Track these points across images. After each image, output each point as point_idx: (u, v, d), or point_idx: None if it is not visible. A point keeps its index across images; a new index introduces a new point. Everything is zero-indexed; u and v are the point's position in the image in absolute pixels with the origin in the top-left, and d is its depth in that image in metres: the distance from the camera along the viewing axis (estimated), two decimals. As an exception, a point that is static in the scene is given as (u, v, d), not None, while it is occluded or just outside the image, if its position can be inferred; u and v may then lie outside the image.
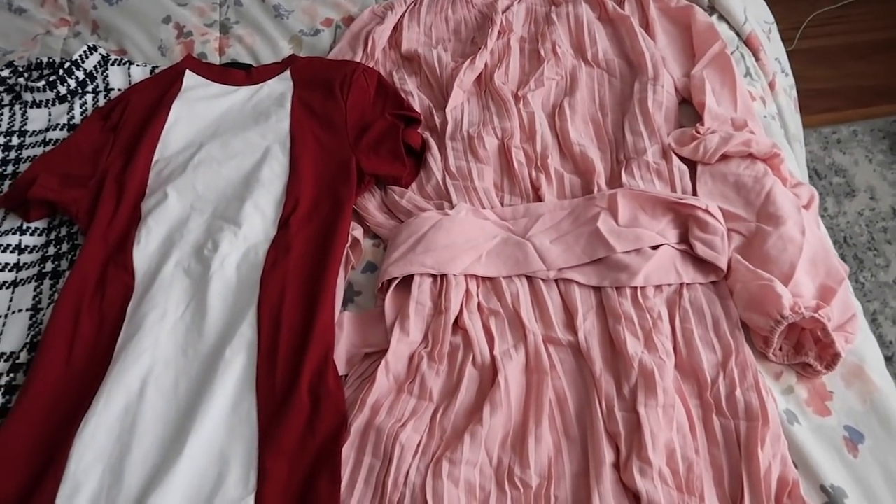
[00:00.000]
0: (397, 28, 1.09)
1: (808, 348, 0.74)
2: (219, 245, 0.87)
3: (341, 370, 0.78)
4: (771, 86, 1.02)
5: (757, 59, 1.02)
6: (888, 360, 1.36)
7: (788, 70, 1.12)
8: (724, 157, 0.85)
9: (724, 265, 0.78)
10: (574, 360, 0.76)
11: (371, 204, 0.92)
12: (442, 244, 0.82)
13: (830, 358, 0.72)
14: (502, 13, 1.06)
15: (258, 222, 0.89)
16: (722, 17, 1.04)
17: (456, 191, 0.89)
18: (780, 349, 0.75)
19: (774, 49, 1.10)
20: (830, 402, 0.72)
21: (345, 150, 0.94)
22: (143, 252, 0.89)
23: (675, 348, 0.75)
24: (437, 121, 0.97)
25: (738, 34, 1.03)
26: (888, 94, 1.77)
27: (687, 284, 0.79)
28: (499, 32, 1.04)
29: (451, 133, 0.94)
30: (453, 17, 1.09)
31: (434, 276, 0.81)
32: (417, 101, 1.00)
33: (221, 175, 0.94)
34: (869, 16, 1.95)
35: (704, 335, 0.75)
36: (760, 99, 0.97)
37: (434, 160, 0.93)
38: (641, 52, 0.97)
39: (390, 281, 0.82)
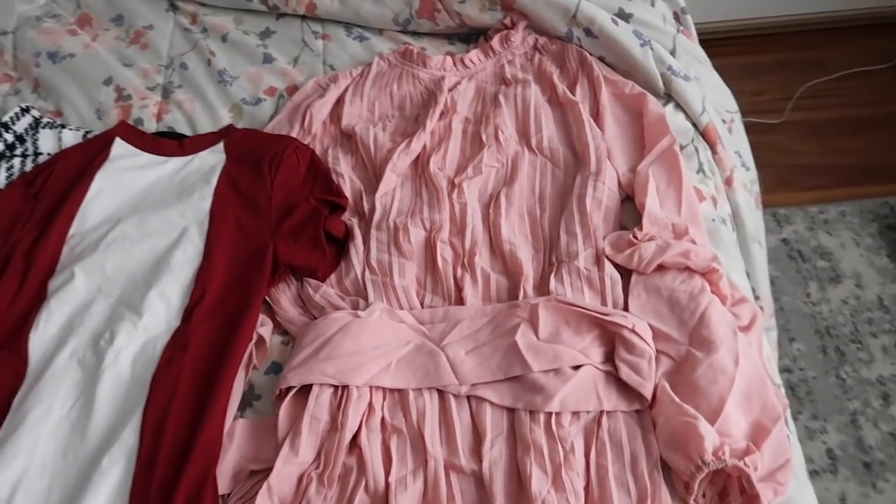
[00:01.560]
0: (340, 101, 1.04)
1: (732, 498, 0.66)
2: (116, 336, 0.81)
3: (225, 487, 0.72)
4: (728, 182, 0.96)
5: (714, 152, 0.96)
6: (867, 466, 1.27)
7: (751, 164, 1.06)
8: (661, 268, 0.79)
9: (648, 393, 0.71)
10: (476, 493, 0.69)
11: (284, 296, 0.86)
12: (348, 350, 0.76)
13: (756, 511, 0.65)
14: (448, 91, 1.01)
15: (162, 312, 0.84)
16: (679, 107, 0.98)
17: (374, 287, 0.83)
18: (703, 496, 0.67)
19: (735, 141, 1.03)
20: (755, 561, 0.64)
21: (264, 235, 0.89)
22: (41, 338, 0.83)
23: (586, 487, 0.68)
24: (366, 207, 0.91)
25: (694, 125, 0.97)
26: (880, 174, 1.70)
27: (608, 412, 0.72)
28: (442, 112, 0.99)
29: (378, 222, 0.89)
30: (398, 93, 1.05)
31: (335, 387, 0.75)
32: (349, 183, 0.94)
33: (133, 256, 0.89)
34: (864, 89, 1.89)
35: (620, 474, 0.68)
36: (711, 199, 0.90)
37: (356, 251, 0.87)
38: (586, 143, 0.92)
39: (289, 388, 0.76)
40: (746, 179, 1.03)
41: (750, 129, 1.15)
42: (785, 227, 1.61)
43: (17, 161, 1.04)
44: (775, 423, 0.69)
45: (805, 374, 1.38)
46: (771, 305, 1.04)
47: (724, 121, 1.02)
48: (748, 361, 0.72)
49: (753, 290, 0.97)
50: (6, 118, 1.04)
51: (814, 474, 1.24)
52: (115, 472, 0.72)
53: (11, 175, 1.02)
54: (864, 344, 1.42)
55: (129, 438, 0.74)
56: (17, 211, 0.96)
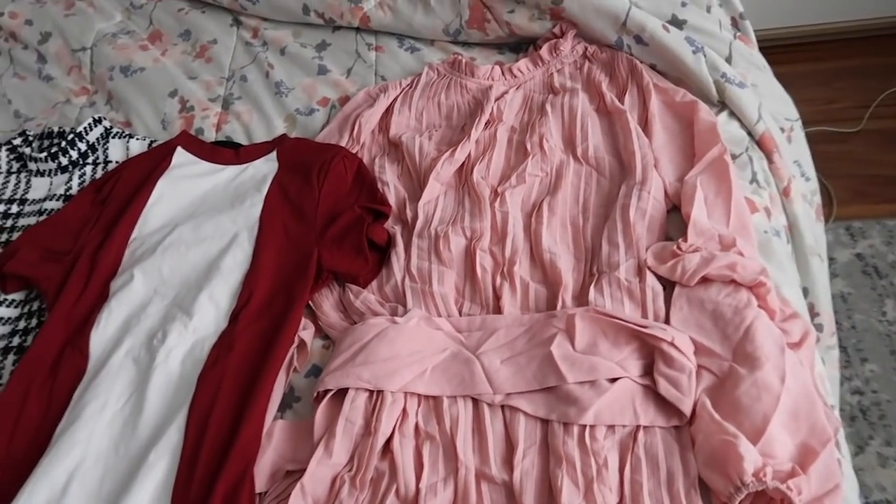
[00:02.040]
0: (389, 111, 1.06)
1: (774, 522, 0.63)
2: (167, 336, 0.85)
3: (262, 486, 0.74)
4: (785, 192, 0.92)
5: (770, 162, 0.92)
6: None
7: (811, 174, 1.01)
8: (705, 281, 0.76)
9: (687, 409, 0.69)
10: (506, 503, 0.68)
11: (327, 302, 0.87)
12: (384, 356, 0.77)
13: (799, 537, 0.61)
14: (495, 101, 1.01)
15: (211, 314, 0.87)
16: (733, 115, 0.95)
17: (413, 294, 0.84)
18: (743, 518, 0.64)
19: (795, 150, 0.99)
20: (796, 591, 0.61)
21: (309, 242, 0.91)
22: (101, 336, 0.88)
23: (620, 502, 0.66)
24: (409, 215, 0.92)
25: (749, 134, 0.93)
26: (965, 185, 1.59)
27: (644, 427, 0.70)
28: (487, 122, 0.99)
29: (420, 230, 0.89)
30: (446, 103, 1.05)
31: (371, 391, 0.76)
32: (394, 191, 0.96)
33: (188, 259, 0.93)
34: (950, 95, 1.77)
35: (655, 491, 0.66)
36: (765, 210, 0.87)
37: (397, 259, 0.88)
38: (632, 152, 0.90)
39: (326, 391, 0.77)
40: (806, 190, 0.98)
41: (823, 139, 1.10)
42: (860, 241, 1.53)
43: (88, 168, 1.10)
44: (825, 446, 0.65)
45: (878, 396, 1.30)
46: (832, 323, 0.99)
47: (782, 129, 0.98)
48: (796, 380, 0.68)
49: (813, 307, 0.92)
50: (80, 128, 1.11)
51: (888, 503, 1.16)
52: (160, 467, 0.74)
53: (83, 182, 1.09)
54: (945, 367, 1.33)
55: (174, 435, 0.77)
56: (87, 215, 1.01)
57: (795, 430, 0.67)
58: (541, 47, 1.07)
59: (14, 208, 1.07)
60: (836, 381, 0.93)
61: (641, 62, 1.00)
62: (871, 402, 1.30)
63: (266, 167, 1.03)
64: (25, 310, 0.95)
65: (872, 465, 1.21)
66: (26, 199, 1.08)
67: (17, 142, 1.13)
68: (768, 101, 0.98)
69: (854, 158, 1.69)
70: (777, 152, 0.92)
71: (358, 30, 1.22)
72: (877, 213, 1.58)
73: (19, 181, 1.11)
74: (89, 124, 1.12)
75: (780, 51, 1.09)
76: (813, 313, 0.92)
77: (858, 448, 1.21)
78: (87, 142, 1.11)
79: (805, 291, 0.88)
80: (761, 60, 1.03)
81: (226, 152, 1.06)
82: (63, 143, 1.09)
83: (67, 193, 1.07)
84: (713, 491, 0.65)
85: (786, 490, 0.61)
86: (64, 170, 1.10)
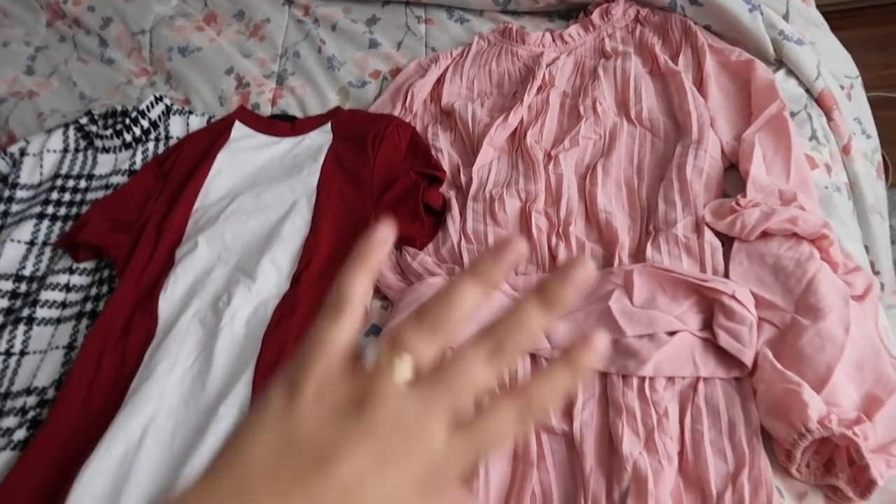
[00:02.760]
0: (440, 81, 1.07)
1: (839, 468, 0.63)
2: (232, 298, 0.88)
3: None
4: (845, 150, 0.90)
5: (829, 119, 0.91)
6: None
7: (872, 131, 0.99)
8: (765, 235, 0.76)
9: (748, 360, 0.69)
10: (566, 453, 0.69)
11: (384, 264, 0.89)
12: (442, 313, 0.78)
13: (866, 484, 0.61)
14: (546, 67, 1.02)
15: (273, 277, 0.90)
16: (791, 73, 0.93)
17: (469, 256, 0.85)
18: (808, 466, 0.64)
19: (856, 107, 0.97)
20: (862, 537, 0.61)
21: (366, 207, 0.93)
22: (169, 299, 0.92)
23: (681, 452, 0.66)
24: (464, 179, 0.94)
25: (808, 91, 0.92)
26: None
27: (705, 379, 0.70)
28: (539, 87, 1.00)
29: (475, 193, 0.91)
30: (497, 70, 1.06)
31: (430, 347, 0.77)
32: (447, 158, 0.97)
33: (249, 227, 0.96)
34: None
35: (717, 440, 0.66)
36: (825, 167, 0.85)
37: (453, 222, 0.89)
38: (688, 112, 0.89)
39: (387, 348, 0.79)
40: (867, 148, 0.96)
41: (880, 105, 1.07)
42: (919, 208, 1.48)
43: (150, 145, 1.14)
44: (890, 395, 0.64)
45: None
46: (893, 281, 0.97)
47: (842, 86, 0.96)
48: (861, 331, 0.68)
49: (873, 265, 0.90)
50: (142, 106, 1.15)
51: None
52: (229, 420, 0.77)
53: (146, 157, 1.13)
54: None
55: (242, 390, 0.80)
56: (151, 188, 1.05)
57: (860, 381, 0.66)
58: (591, 12, 1.07)
59: (83, 183, 1.12)
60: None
61: (695, 24, 0.99)
62: (933, 371, 1.27)
63: (321, 138, 1.05)
64: (96, 277, 1.00)
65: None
66: (94, 175, 1.13)
67: (84, 121, 1.17)
68: (827, 58, 0.96)
69: (912, 125, 1.63)
70: (837, 109, 0.91)
71: (407, 3, 1.24)
72: (938, 180, 1.53)
73: (86, 158, 1.15)
74: (151, 102, 1.16)
75: (837, 16, 1.07)
76: (874, 271, 0.91)
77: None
78: (149, 119, 1.15)
79: (866, 249, 0.87)
80: (819, 18, 1.01)
81: (282, 125, 1.09)
82: (127, 121, 1.14)
83: (132, 168, 1.12)
84: (776, 439, 0.65)
85: (852, 436, 0.60)
86: (128, 146, 1.14)
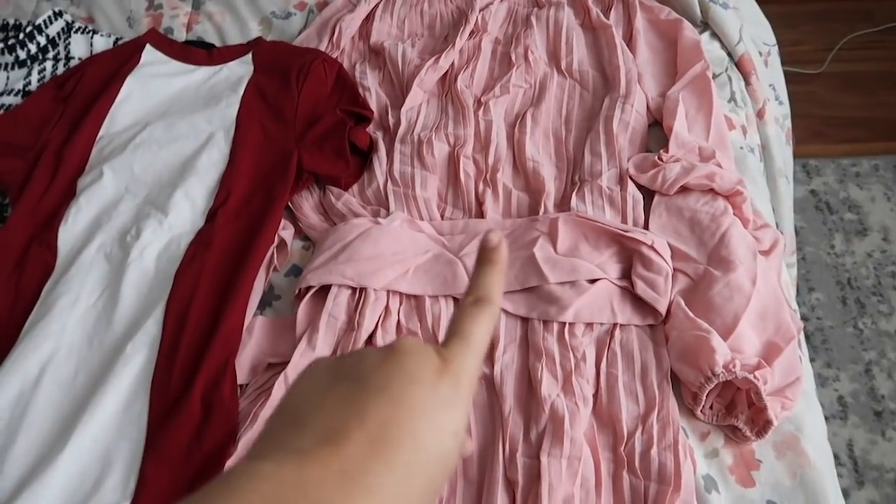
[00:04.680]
0: (370, 18, 1.03)
1: (739, 410, 0.67)
2: (141, 232, 0.83)
3: (243, 378, 0.74)
4: (759, 114, 0.94)
5: (747, 83, 0.94)
6: (877, 415, 1.27)
7: (784, 98, 1.04)
8: (684, 190, 0.78)
9: (663, 308, 0.72)
10: (487, 395, 0.70)
11: (307, 203, 0.87)
12: (367, 255, 0.77)
13: (762, 424, 0.65)
14: (479, 11, 1.00)
15: (187, 212, 0.85)
16: (715, 35, 0.96)
17: (395, 198, 0.84)
18: (711, 408, 0.68)
19: (771, 74, 1.01)
20: (756, 472, 0.65)
21: (289, 143, 0.89)
22: (70, 232, 0.85)
23: (596, 394, 0.69)
24: (391, 121, 0.91)
25: (729, 55, 0.95)
26: (920, 130, 1.65)
27: (621, 325, 0.72)
28: (472, 32, 0.98)
29: (402, 136, 0.89)
30: (429, 12, 1.03)
31: (353, 289, 0.76)
32: (375, 98, 0.94)
33: (160, 158, 0.90)
34: (913, 43, 1.82)
35: (629, 383, 0.69)
36: (741, 128, 0.89)
37: (379, 163, 0.87)
38: (617, 66, 0.90)
39: (308, 289, 0.77)
40: (779, 114, 1.00)
41: (787, 79, 1.12)
42: (814, 178, 1.58)
43: (49, 64, 1.05)
44: (788, 343, 0.69)
45: (822, 323, 1.38)
46: (793, 242, 1.03)
47: (760, 53, 1.00)
48: (766, 283, 0.72)
49: (777, 225, 0.95)
50: (39, 21, 1.05)
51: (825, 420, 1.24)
52: (138, 359, 0.74)
53: (43, 77, 1.04)
54: (886, 297, 1.41)
55: (152, 328, 0.76)
56: (49, 112, 0.97)
57: (762, 329, 0.70)
58: (526, -41, 1.06)
59: (-32, 102, 1.01)
60: (792, 289, 0.97)
61: (627, -21, 1.00)
62: (815, 327, 1.38)
63: (241, 69, 1.00)
64: (-15, 205, 0.92)
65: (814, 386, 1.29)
66: (-19, 93, 1.03)
67: (-30, 33, 1.06)
68: (749, 24, 0.99)
69: (815, 100, 1.73)
70: (754, 74, 0.94)
71: (336, -67, 1.17)
72: (832, 152, 1.64)
73: (-27, 74, 1.05)
74: (49, 17, 1.06)
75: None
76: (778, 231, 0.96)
77: (803, 370, 1.28)
78: (47, 36, 1.05)
79: (772, 210, 0.91)
80: (743, -17, 1.04)
81: (198, 53, 1.02)
82: (21, 36, 1.04)
83: (26, 89, 1.02)
84: (684, 383, 0.68)
85: (753, 379, 0.64)
86: (22, 64, 1.04)
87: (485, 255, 0.34)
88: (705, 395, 0.66)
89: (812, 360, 1.32)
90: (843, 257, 1.47)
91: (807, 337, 1.36)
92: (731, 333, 0.68)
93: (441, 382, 0.29)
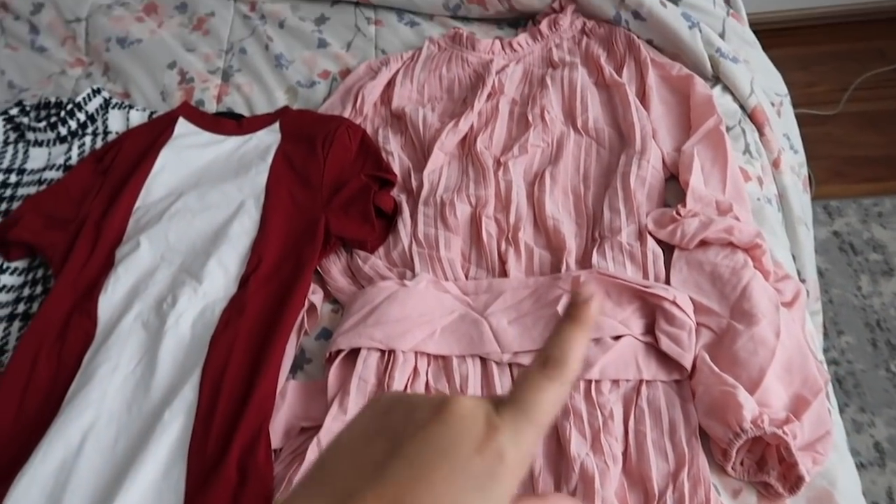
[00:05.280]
0: (391, 84, 1.08)
1: (770, 466, 0.67)
2: (177, 300, 0.86)
3: (277, 443, 0.76)
4: (775, 164, 0.96)
5: (761, 134, 0.96)
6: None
7: (799, 146, 1.05)
8: (703, 244, 0.80)
9: (688, 363, 0.72)
10: (516, 455, 0.71)
11: (335, 267, 0.89)
12: (395, 317, 0.79)
13: (794, 480, 0.65)
14: (496, 74, 1.04)
15: (220, 279, 0.88)
16: (726, 89, 0.98)
17: (420, 259, 0.86)
18: (741, 464, 0.68)
19: (784, 124, 1.03)
20: (791, 530, 0.65)
21: (316, 208, 0.93)
22: (109, 301, 0.89)
23: (625, 452, 0.69)
24: (414, 184, 0.94)
25: (742, 107, 0.97)
26: (940, 167, 1.65)
27: (647, 381, 0.73)
28: (489, 94, 1.01)
29: (425, 198, 0.92)
30: (447, 76, 1.07)
31: (382, 351, 0.78)
32: (398, 161, 0.97)
33: (194, 227, 0.94)
34: (927, 81, 1.83)
35: (658, 440, 0.69)
36: (757, 179, 0.90)
37: (404, 225, 0.90)
38: (632, 123, 0.93)
39: (339, 352, 0.79)
40: (794, 162, 1.02)
41: (802, 121, 1.14)
42: (836, 219, 1.58)
43: (88, 139, 1.10)
44: (816, 396, 0.69)
45: (853, 367, 1.36)
46: (817, 289, 1.04)
47: (772, 104, 1.02)
48: (790, 335, 0.72)
49: (799, 273, 0.96)
50: (79, 99, 1.11)
51: (860, 467, 1.22)
52: (175, 425, 0.76)
53: (83, 152, 1.09)
54: (918, 338, 1.39)
55: (188, 394, 0.78)
56: (89, 184, 1.02)
57: (789, 382, 0.70)
58: (540, 22, 1.10)
59: (13, 178, 1.07)
60: (818, 340, 0.97)
61: (638, 37, 1.03)
62: (846, 371, 1.36)
63: (269, 137, 1.04)
64: (30, 277, 0.96)
65: (848, 431, 1.27)
66: (25, 169, 1.08)
67: (14, 112, 1.12)
68: (759, 76, 1.01)
69: (832, 140, 1.74)
70: (768, 125, 0.96)
71: (357, 4, 1.23)
72: (853, 192, 1.64)
73: (17, 151, 1.10)
74: (88, 95, 1.12)
75: (762, 35, 1.13)
76: (800, 279, 0.97)
77: (837, 414, 1.26)
78: (86, 112, 1.11)
79: (793, 258, 0.92)
80: (752, 37, 1.07)
81: (228, 123, 1.07)
82: (62, 114, 1.09)
83: (67, 164, 1.07)
84: (713, 439, 0.69)
85: (782, 435, 0.65)
86: (63, 140, 1.10)
87: (572, 311, 0.29)
88: (735, 451, 0.66)
89: (845, 405, 1.31)
90: (870, 298, 1.46)
91: (839, 381, 1.34)
92: (758, 388, 0.68)
93: (477, 459, 0.26)
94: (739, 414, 0.66)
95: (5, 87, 1.22)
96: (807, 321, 0.79)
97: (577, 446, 0.68)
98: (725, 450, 0.67)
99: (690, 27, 1.00)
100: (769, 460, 0.67)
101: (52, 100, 1.13)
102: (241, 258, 0.90)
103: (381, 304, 0.80)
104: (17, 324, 0.91)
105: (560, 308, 0.77)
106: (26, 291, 0.94)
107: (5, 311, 0.92)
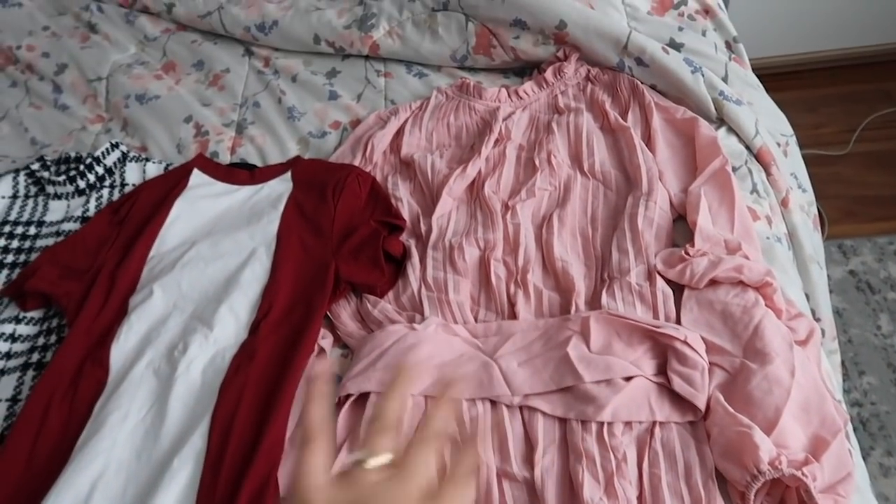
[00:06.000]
0: (400, 132, 1.10)
1: (790, 510, 0.65)
2: (188, 347, 0.86)
3: (285, 490, 0.75)
4: (784, 203, 0.96)
5: (768, 174, 0.96)
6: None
7: (807, 185, 1.05)
8: (713, 283, 0.79)
9: (702, 404, 0.71)
10: (528, 499, 0.70)
11: (345, 312, 0.90)
12: (404, 361, 0.79)
13: (816, 524, 0.63)
14: (503, 121, 1.06)
15: (231, 326, 0.89)
16: (731, 130, 0.99)
17: (430, 303, 0.86)
18: (760, 507, 0.66)
19: (791, 163, 1.03)
20: (816, 576, 0.62)
21: (327, 255, 0.93)
22: (121, 349, 0.89)
23: (640, 496, 0.68)
24: (423, 228, 0.95)
25: (747, 148, 0.98)
26: (953, 204, 1.64)
27: (661, 423, 0.72)
28: (496, 140, 1.03)
29: (434, 242, 0.92)
30: (455, 123, 1.09)
31: (392, 395, 0.78)
32: (407, 207, 0.99)
33: (206, 275, 0.95)
34: (935, 120, 1.84)
35: (674, 483, 0.68)
36: (766, 219, 0.90)
37: (413, 270, 0.90)
38: (638, 166, 0.93)
39: (347, 396, 0.79)
40: (804, 201, 1.02)
41: (811, 162, 1.14)
42: (852, 258, 1.57)
43: (105, 191, 1.13)
44: (835, 436, 0.67)
45: (877, 408, 1.33)
46: (833, 328, 1.02)
47: (778, 144, 1.02)
48: (805, 374, 0.71)
49: (813, 313, 0.95)
50: (98, 153, 1.14)
51: (891, 514, 1.17)
52: (184, 473, 0.75)
53: (100, 204, 1.11)
54: (942, 379, 1.36)
55: (198, 442, 0.78)
56: (105, 235, 1.04)
57: (807, 422, 0.69)
58: (545, 70, 1.12)
59: (32, 230, 1.09)
60: (839, 385, 0.95)
61: (642, 83, 1.05)
62: (870, 413, 1.33)
63: (281, 186, 1.06)
64: (44, 327, 0.97)
65: (875, 475, 1.23)
66: (44, 222, 1.10)
67: (35, 167, 1.15)
68: (764, 117, 1.02)
69: (842, 180, 1.74)
70: (774, 165, 0.96)
71: (367, 57, 1.27)
72: (866, 231, 1.63)
73: (37, 204, 1.13)
74: (106, 149, 1.15)
75: (768, 79, 1.15)
76: (815, 318, 0.95)
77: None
78: (105, 165, 1.14)
79: (806, 297, 0.91)
80: (755, 80, 1.08)
81: (241, 173, 1.09)
82: (81, 167, 1.12)
83: (85, 215, 1.10)
84: (730, 481, 0.67)
85: (801, 476, 0.63)
86: (81, 193, 1.12)
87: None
88: (753, 494, 0.64)
89: (871, 448, 1.27)
90: (891, 338, 1.43)
91: (863, 424, 1.31)
92: (774, 428, 0.67)
93: None
94: (756, 455, 0.64)
95: (28, 143, 1.26)
96: (823, 360, 0.77)
97: (591, 490, 0.67)
98: (743, 493, 0.65)
99: (693, 72, 1.02)
100: (789, 502, 0.65)
101: (72, 154, 1.16)
102: (252, 305, 0.90)
103: (391, 348, 0.80)
104: (30, 373, 0.91)
105: (570, 350, 0.76)
106: (41, 341, 0.95)
107: (20, 361, 0.93)
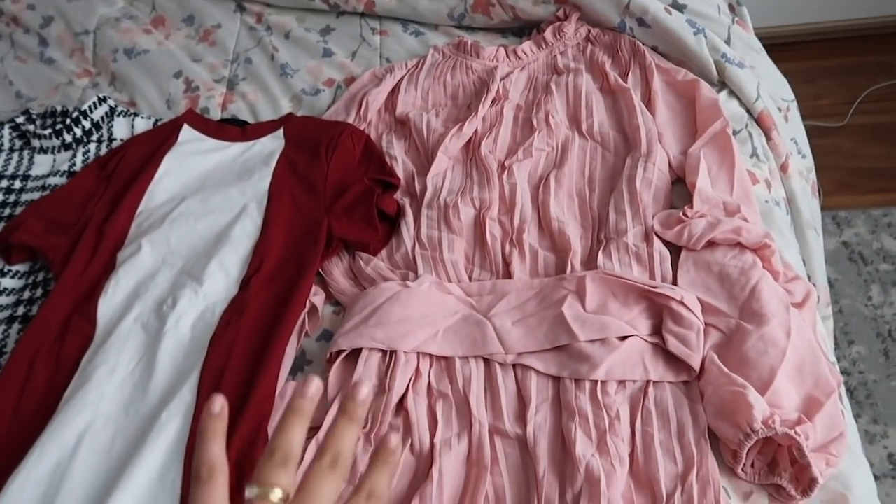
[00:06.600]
0: (395, 91, 1.08)
1: (782, 468, 0.65)
2: (178, 302, 0.85)
3: None
4: (783, 168, 0.95)
5: (768, 138, 0.95)
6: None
7: (807, 151, 1.04)
8: (711, 245, 0.78)
9: (696, 364, 0.71)
10: (520, 456, 0.69)
11: (337, 269, 0.88)
12: (396, 318, 0.78)
13: (807, 482, 0.63)
14: (500, 80, 1.04)
15: (221, 281, 0.87)
16: (733, 94, 0.98)
17: (423, 261, 0.85)
18: (752, 466, 0.66)
19: (792, 129, 1.02)
20: (805, 534, 0.63)
21: (319, 212, 0.92)
22: (109, 303, 0.88)
23: (632, 454, 0.68)
24: (418, 187, 0.94)
25: (748, 112, 0.96)
26: (949, 177, 1.64)
27: (654, 382, 0.71)
28: (494, 100, 1.01)
29: (429, 201, 0.91)
30: (451, 83, 1.07)
31: (384, 352, 0.77)
32: (402, 166, 0.97)
33: (196, 230, 0.93)
34: (934, 93, 1.83)
35: (666, 442, 0.67)
36: (765, 182, 0.89)
37: (407, 228, 0.89)
38: (637, 127, 0.92)
39: (339, 353, 0.78)
40: (802, 167, 1.01)
41: (809, 133, 1.13)
42: (846, 229, 1.57)
43: (93, 146, 1.10)
44: (829, 397, 0.67)
45: (865, 377, 1.33)
46: (827, 295, 1.02)
47: (779, 108, 1.01)
48: (801, 336, 0.71)
49: (809, 277, 0.95)
50: (84, 107, 1.11)
51: (874, 479, 1.18)
52: (172, 426, 0.75)
53: (87, 158, 1.09)
54: (931, 350, 1.37)
55: (186, 395, 0.77)
56: (92, 189, 1.02)
57: (801, 383, 0.69)
58: (544, 30, 1.10)
59: (17, 184, 1.07)
60: (829, 342, 0.95)
61: (643, 44, 1.03)
62: (858, 382, 1.34)
63: (273, 143, 1.04)
64: (30, 280, 0.95)
65: (861, 442, 1.24)
66: (29, 176, 1.08)
67: (20, 119, 1.12)
68: (765, 81, 1.01)
69: (839, 152, 1.73)
70: (775, 129, 0.95)
71: (362, 15, 1.24)
72: (861, 203, 1.62)
73: (22, 158, 1.10)
74: (93, 103, 1.12)
75: (767, 49, 1.13)
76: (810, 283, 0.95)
77: (849, 428, 1.23)
78: (92, 120, 1.11)
79: (803, 262, 0.91)
80: (758, 44, 1.07)
81: (232, 130, 1.07)
82: (67, 121, 1.10)
83: (71, 170, 1.07)
84: (722, 440, 0.67)
85: (794, 435, 0.63)
86: (68, 147, 1.10)
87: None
88: (745, 452, 0.64)
89: (857, 416, 1.28)
90: (881, 309, 1.44)
91: (850, 392, 1.31)
92: (769, 388, 0.67)
93: None
94: (750, 414, 0.64)
95: (13, 97, 1.23)
96: (818, 323, 0.77)
97: (583, 447, 0.67)
98: (736, 451, 0.65)
99: (695, 33, 1.00)
100: (781, 462, 0.65)
101: (58, 108, 1.13)
102: (243, 260, 0.89)
103: (383, 305, 0.79)
104: (16, 326, 0.90)
105: (565, 309, 0.75)
106: (26, 294, 0.94)
107: (5, 314, 0.91)
